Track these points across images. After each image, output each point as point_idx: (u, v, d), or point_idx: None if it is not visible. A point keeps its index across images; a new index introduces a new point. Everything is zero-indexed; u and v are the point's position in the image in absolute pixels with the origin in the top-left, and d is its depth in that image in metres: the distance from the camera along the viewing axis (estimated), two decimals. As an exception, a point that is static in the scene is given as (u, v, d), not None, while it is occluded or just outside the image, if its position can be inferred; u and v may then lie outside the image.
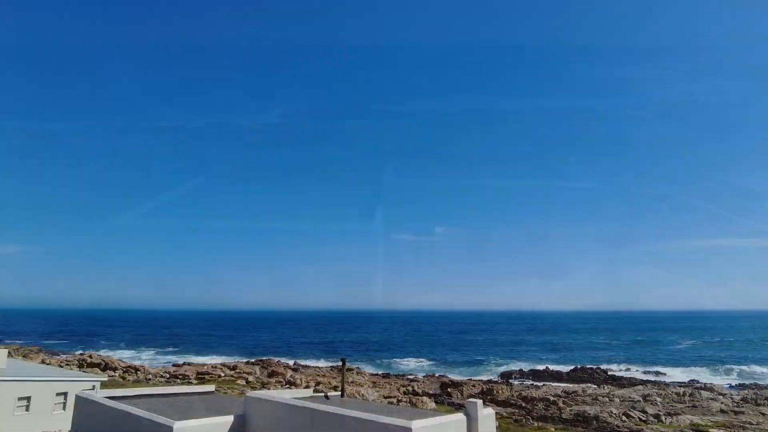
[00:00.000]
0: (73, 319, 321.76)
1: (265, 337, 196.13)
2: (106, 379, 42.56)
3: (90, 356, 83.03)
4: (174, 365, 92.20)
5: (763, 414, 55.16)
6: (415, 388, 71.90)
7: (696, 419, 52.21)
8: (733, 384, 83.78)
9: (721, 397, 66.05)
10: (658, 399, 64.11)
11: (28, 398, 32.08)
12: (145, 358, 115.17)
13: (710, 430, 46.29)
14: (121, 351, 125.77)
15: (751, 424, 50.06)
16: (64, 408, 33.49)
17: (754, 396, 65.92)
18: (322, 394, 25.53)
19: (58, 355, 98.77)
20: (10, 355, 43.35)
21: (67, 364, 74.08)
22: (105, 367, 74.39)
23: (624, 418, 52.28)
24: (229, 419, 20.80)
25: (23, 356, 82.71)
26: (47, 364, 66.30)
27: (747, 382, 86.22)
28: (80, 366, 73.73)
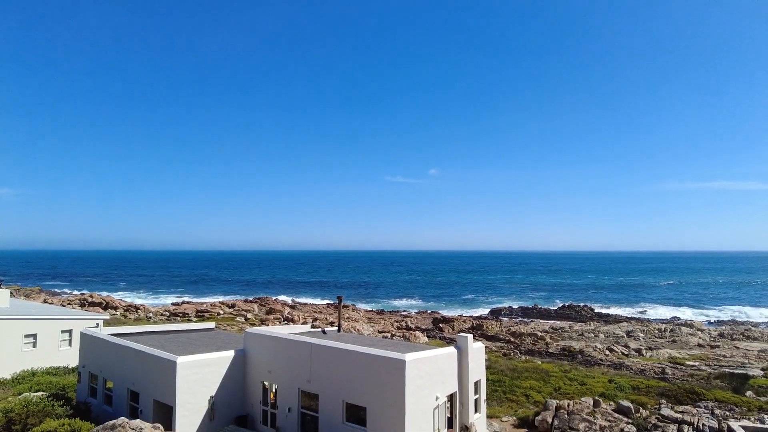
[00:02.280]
0: (71, 261, 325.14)
1: (262, 276, 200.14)
2: (108, 317, 43.82)
3: (91, 296, 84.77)
4: (173, 304, 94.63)
5: (737, 348, 58.09)
6: (409, 323, 74.62)
7: (674, 353, 54.96)
8: (712, 320, 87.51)
9: (699, 332, 69.17)
10: (641, 335, 67.08)
11: (34, 335, 33.14)
12: (145, 298, 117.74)
13: (687, 362, 48.84)
14: (120, 292, 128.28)
15: (725, 356, 52.83)
16: (69, 344, 34.72)
17: (730, 331, 69.11)
18: (320, 330, 26.58)
19: (59, 295, 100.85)
20: (12, 295, 44.22)
21: (68, 304, 75.75)
22: (106, 306, 76.20)
23: (607, 352, 54.90)
24: (230, 354, 21.77)
25: (25, 296, 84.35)
26: (49, 304, 67.80)
27: (725, 318, 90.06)
28: (82, 305, 75.45)
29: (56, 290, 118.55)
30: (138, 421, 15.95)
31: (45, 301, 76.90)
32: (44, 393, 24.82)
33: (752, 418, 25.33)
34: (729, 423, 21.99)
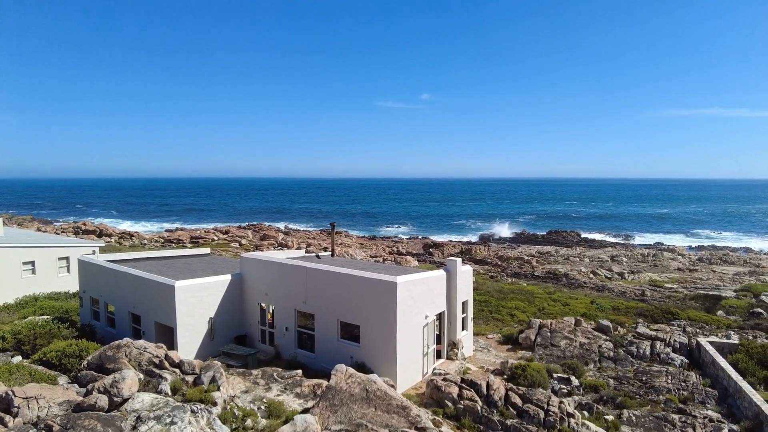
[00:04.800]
0: (59, 189, 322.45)
1: (255, 204, 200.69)
2: (103, 244, 44.33)
3: (84, 224, 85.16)
4: (167, 231, 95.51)
5: (714, 271, 60.63)
6: (400, 248, 76.45)
7: (655, 276, 57.33)
8: (693, 246, 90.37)
9: (680, 257, 71.76)
10: (625, 259, 69.48)
11: (32, 263, 33.71)
12: (138, 225, 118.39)
13: (665, 284, 51.16)
14: (112, 219, 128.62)
15: (701, 279, 55.30)
16: (68, 271, 35.49)
17: (709, 256, 71.73)
18: (314, 254, 27.29)
19: (52, 223, 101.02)
20: (4, 224, 44.29)
21: (62, 232, 76.23)
22: (100, 233, 76.82)
23: (591, 275, 57.12)
24: (227, 278, 22.46)
25: (18, 225, 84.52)
26: (43, 232, 68.24)
27: (706, 244, 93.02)
28: (76, 233, 76.00)
29: (48, 219, 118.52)
30: (142, 341, 16.74)
31: (38, 230, 77.26)
32: (49, 316, 25.71)
33: (719, 335, 27.08)
34: (698, 339, 23.53)
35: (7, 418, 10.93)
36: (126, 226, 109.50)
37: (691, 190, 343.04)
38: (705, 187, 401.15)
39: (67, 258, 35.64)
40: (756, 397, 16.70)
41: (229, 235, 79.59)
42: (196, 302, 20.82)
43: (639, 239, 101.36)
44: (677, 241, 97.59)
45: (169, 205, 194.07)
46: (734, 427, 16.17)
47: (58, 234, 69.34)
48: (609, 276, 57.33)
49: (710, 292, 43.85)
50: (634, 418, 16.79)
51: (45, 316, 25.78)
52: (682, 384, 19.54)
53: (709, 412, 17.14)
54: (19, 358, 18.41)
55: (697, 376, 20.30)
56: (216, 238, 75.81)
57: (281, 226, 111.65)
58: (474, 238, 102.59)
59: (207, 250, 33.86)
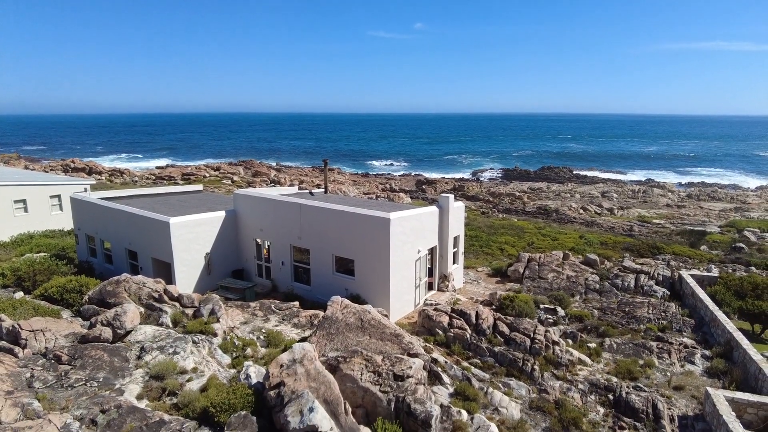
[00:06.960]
0: (45, 125, 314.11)
1: (245, 140, 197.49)
2: (94, 182, 43.94)
3: (73, 161, 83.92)
4: (158, 167, 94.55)
5: (701, 207, 61.67)
6: (393, 185, 76.61)
7: (643, 212, 58.30)
8: (683, 182, 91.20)
9: (669, 193, 72.62)
10: (615, 195, 70.27)
11: (24, 201, 33.54)
12: (127, 162, 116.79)
13: (653, 220, 52.17)
14: (99, 156, 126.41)
15: (688, 215, 56.37)
16: (61, 209, 35.43)
17: (698, 193, 72.68)
18: (307, 191, 27.36)
19: (40, 161, 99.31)
20: (-9, 160, 43.58)
21: (51, 170, 75.22)
22: (90, 171, 75.94)
23: (581, 211, 57.97)
24: (221, 214, 22.62)
25: (4, 163, 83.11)
26: (31, 170, 67.24)
27: (696, 180, 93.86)
28: (65, 171, 75.02)
29: (35, 156, 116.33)
30: (140, 276, 17.10)
31: (26, 167, 76.14)
32: (46, 254, 25.95)
33: (701, 268, 28.06)
34: (680, 272, 24.39)
35: (17, 349, 11.39)
36: (116, 163, 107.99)
37: (687, 126, 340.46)
38: (702, 123, 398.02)
39: (59, 196, 35.47)
40: (729, 324, 17.63)
41: (221, 171, 79.04)
42: (192, 238, 21.08)
43: (630, 176, 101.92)
44: (668, 177, 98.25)
45: (158, 141, 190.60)
46: (706, 352, 17.18)
47: (46, 172, 68.41)
48: (599, 212, 58.21)
49: (696, 228, 44.89)
50: (615, 345, 17.75)
51: (42, 254, 26.02)
52: (662, 314, 20.49)
53: (685, 339, 18.13)
54: (21, 293, 18.79)
55: (677, 307, 21.27)
56: (207, 175, 75.33)
57: (273, 163, 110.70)
58: (467, 175, 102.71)
59: (199, 187, 33.80)
